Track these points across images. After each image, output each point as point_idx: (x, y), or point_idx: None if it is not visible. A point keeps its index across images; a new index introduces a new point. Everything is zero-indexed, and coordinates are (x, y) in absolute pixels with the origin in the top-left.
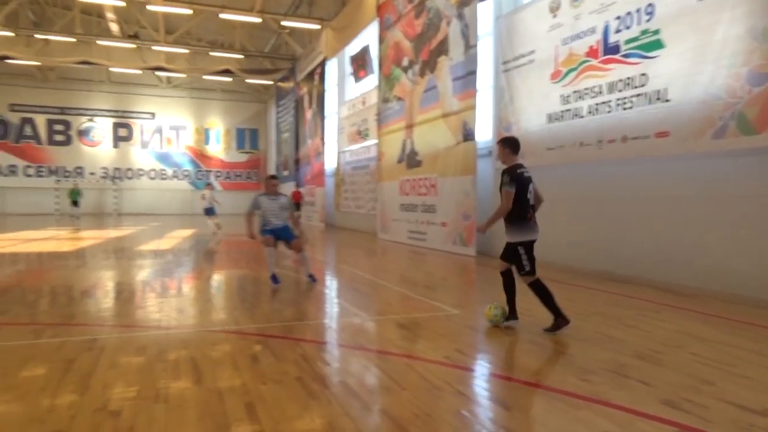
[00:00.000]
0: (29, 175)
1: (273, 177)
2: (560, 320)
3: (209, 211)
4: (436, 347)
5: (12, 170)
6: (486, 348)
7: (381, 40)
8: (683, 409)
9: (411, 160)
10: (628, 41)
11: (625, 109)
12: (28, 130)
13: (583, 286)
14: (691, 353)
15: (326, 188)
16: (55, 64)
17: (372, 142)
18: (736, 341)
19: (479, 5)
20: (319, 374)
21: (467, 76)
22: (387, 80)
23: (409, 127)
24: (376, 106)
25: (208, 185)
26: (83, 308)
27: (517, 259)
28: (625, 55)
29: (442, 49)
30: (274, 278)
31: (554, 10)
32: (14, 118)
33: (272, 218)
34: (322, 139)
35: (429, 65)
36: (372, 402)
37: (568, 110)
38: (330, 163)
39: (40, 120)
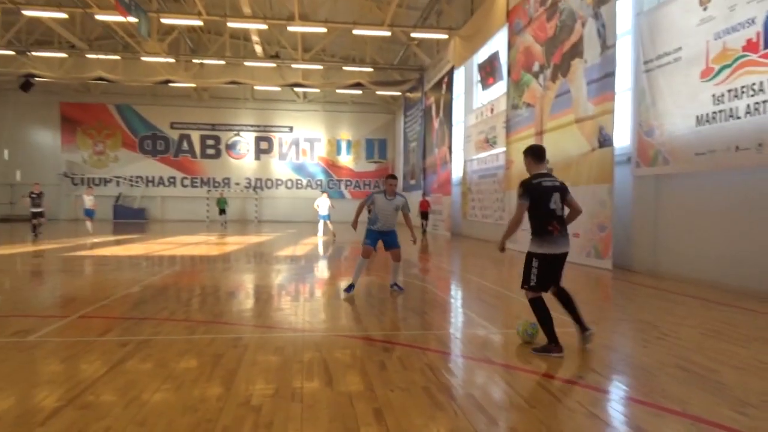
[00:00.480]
0: (185, 186)
1: (392, 177)
2: (553, 346)
3: (326, 216)
4: (568, 365)
5: (171, 181)
6: (624, 369)
7: (510, 45)
8: None
9: None
10: None
11: None
12: (185, 145)
13: (741, 307)
14: None
15: (453, 197)
16: (208, 85)
17: (500, 149)
18: None
19: (618, 2)
20: (445, 385)
21: (604, 79)
22: (516, 86)
23: (539, 133)
24: (504, 114)
25: (324, 192)
26: (229, 308)
27: (527, 270)
28: None
29: (576, 51)
30: (351, 288)
31: (705, 2)
32: (174, 134)
33: (383, 218)
34: (450, 147)
35: (561, 69)
36: (499, 417)
37: (721, 111)
38: (457, 171)
39: (195, 136)
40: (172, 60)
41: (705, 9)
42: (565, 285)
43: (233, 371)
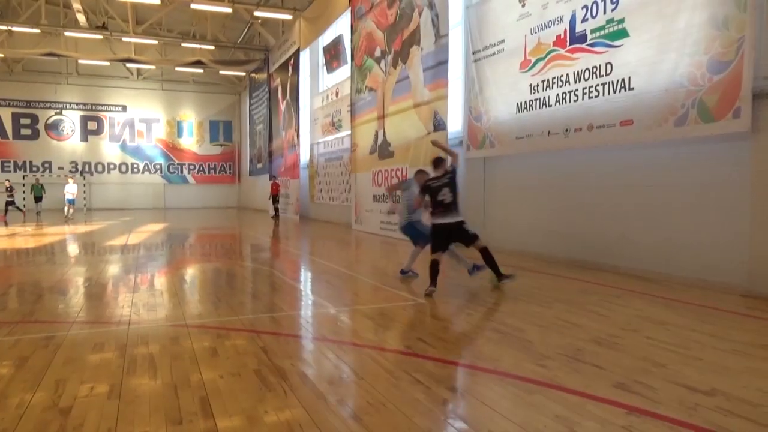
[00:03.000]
0: None
1: (420, 171)
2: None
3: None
4: (401, 337)
5: None
6: (448, 337)
7: (353, 30)
8: (633, 391)
9: (383, 150)
10: (594, 30)
11: (591, 97)
12: None
13: (551, 274)
14: (647, 337)
15: (301, 180)
16: (20, 56)
17: (345, 133)
18: (694, 325)
19: None
20: (278, 366)
21: (438, 66)
22: (359, 71)
23: (381, 117)
24: (349, 97)
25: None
26: (43, 305)
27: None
28: (591, 44)
29: (414, 39)
30: (406, 273)
31: None
32: None
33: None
34: (297, 130)
35: (401, 55)
36: (328, 392)
37: (536, 99)
38: (304, 155)
39: (6, 113)
40: None
41: (523, 6)
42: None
43: (40, 374)
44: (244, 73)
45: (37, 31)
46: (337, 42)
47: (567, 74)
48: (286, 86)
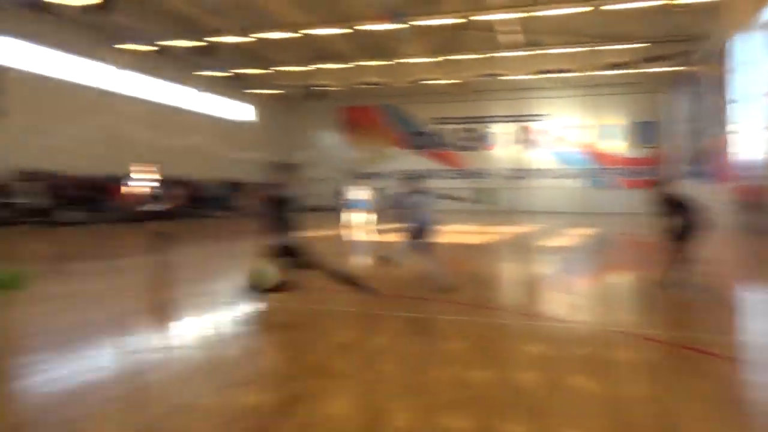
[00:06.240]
0: (448, 178)
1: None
2: None
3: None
4: None
5: (439, 174)
6: None
7: None
8: None
9: None
10: None
11: None
12: (444, 139)
13: None
14: None
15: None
16: (464, 80)
17: None
18: None
19: None
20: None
21: None
22: None
23: None
24: None
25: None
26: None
27: None
28: None
29: None
30: None
31: None
32: (436, 129)
33: None
34: (737, 127)
35: None
36: None
37: None
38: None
39: (454, 130)
40: (432, 59)
41: None
42: None
43: (489, 352)
44: (667, 69)
45: (477, 56)
46: None
47: None
48: (717, 79)
